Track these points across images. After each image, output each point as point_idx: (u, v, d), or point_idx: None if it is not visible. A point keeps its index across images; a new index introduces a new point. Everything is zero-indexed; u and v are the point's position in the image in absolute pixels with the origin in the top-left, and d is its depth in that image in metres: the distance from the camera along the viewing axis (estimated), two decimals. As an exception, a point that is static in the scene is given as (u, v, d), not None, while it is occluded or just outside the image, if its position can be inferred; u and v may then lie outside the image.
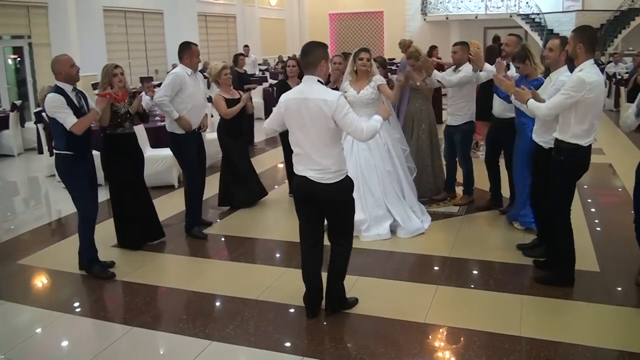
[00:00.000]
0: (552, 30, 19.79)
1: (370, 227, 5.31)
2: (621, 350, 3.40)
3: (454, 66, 6.03)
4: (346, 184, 3.70)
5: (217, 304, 4.22)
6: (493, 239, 5.29)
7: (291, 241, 5.31)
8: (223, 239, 5.61)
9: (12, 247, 5.48)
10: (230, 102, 6.06)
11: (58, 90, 4.34)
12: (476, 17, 20.73)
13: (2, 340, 3.73)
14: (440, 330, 3.70)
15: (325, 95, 3.52)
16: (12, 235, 5.84)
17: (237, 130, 6.29)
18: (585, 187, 6.81)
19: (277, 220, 6.13)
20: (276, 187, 7.30)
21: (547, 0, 19.99)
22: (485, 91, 6.35)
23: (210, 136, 7.49)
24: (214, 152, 7.49)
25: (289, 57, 8.16)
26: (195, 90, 5.39)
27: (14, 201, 7.59)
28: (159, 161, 7.26)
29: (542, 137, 4.44)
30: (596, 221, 5.71)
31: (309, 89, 3.57)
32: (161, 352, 3.69)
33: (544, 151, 4.39)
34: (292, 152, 6.00)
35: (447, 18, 21.65)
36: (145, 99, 5.62)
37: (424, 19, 22.68)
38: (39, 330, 3.90)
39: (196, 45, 5.38)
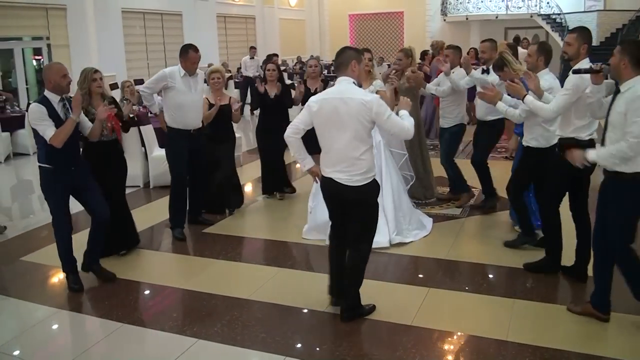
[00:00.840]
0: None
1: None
2: (611, 358, 3.33)
3: (443, 72, 6.02)
4: (373, 187, 3.70)
5: (208, 302, 4.25)
6: (491, 242, 5.22)
7: (287, 241, 5.41)
8: (220, 238, 5.62)
9: (21, 243, 5.59)
10: (210, 108, 5.82)
11: (43, 100, 4.17)
12: (496, 17, 20.48)
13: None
14: (426, 333, 3.67)
15: (365, 96, 3.57)
16: (23, 232, 5.97)
17: (218, 136, 5.97)
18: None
19: (275, 221, 6.16)
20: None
21: (568, 0, 19.66)
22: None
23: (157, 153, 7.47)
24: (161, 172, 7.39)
25: (311, 56, 8.05)
26: (185, 90, 5.33)
27: (31, 199, 7.75)
28: (164, 161, 7.31)
29: (526, 137, 4.65)
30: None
31: (346, 89, 3.59)
32: (146, 349, 3.74)
33: (527, 149, 4.64)
34: (268, 155, 6.28)
35: (467, 18, 21.44)
36: (157, 98, 5.76)
37: (444, 20, 22.49)
38: (35, 325, 3.98)
39: (196, 51, 5.38)
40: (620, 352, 3.37)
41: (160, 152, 7.35)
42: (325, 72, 13.92)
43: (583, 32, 4.13)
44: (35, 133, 4.17)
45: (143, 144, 7.61)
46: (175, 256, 5.21)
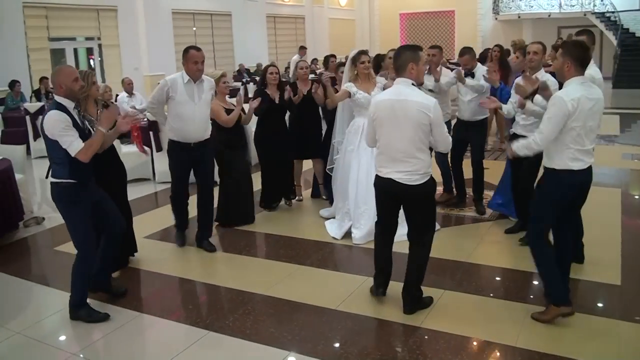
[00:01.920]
0: (627, 29, 18.76)
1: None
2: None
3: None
4: (431, 184, 3.78)
5: (225, 296, 4.38)
6: (516, 245, 5.12)
7: (310, 239, 5.48)
8: (245, 234, 5.74)
9: (57, 234, 5.82)
10: (228, 113, 5.65)
11: (60, 107, 3.72)
12: (549, 16, 19.94)
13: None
14: (433, 335, 3.65)
15: (426, 99, 3.62)
16: (60, 222, 6.25)
17: (236, 141, 5.89)
18: (631, 196, 6.49)
19: (301, 220, 6.21)
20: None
21: (622, -2, 19.00)
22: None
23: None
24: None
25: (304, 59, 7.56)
26: (186, 99, 4.90)
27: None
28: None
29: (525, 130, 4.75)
30: (632, 233, 5.41)
31: (406, 90, 3.65)
32: (160, 338, 3.88)
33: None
34: (269, 164, 6.14)
35: (519, 17, 20.96)
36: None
37: (496, 18, 22.07)
38: (58, 311, 4.19)
39: (197, 50, 4.95)
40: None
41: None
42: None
43: (589, 36, 4.40)
44: (54, 146, 3.72)
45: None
46: (199, 250, 5.33)
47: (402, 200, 3.83)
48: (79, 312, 3.98)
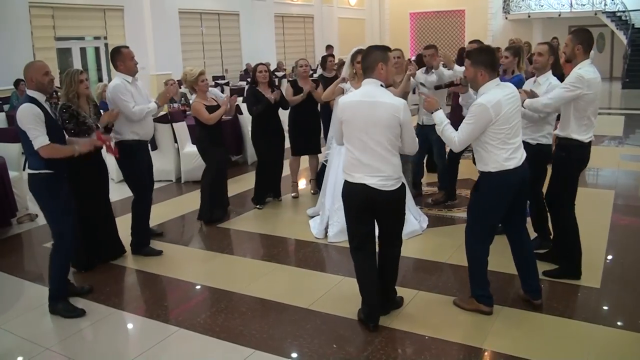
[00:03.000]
0: (638, 28, 18.51)
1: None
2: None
3: (425, 68, 6.16)
4: (403, 188, 3.67)
5: (200, 294, 4.45)
6: (498, 247, 5.10)
7: (292, 239, 5.53)
8: (231, 233, 5.82)
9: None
10: (210, 110, 5.73)
11: (32, 100, 3.88)
12: (559, 15, 19.75)
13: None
14: (400, 335, 3.67)
15: (395, 100, 3.52)
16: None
17: (220, 138, 5.97)
18: (624, 197, 6.44)
19: (287, 218, 6.25)
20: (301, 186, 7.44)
21: (633, -3, 18.75)
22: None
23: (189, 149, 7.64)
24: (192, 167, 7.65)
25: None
26: (140, 98, 4.97)
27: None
28: (196, 157, 7.57)
29: (535, 134, 4.56)
30: (618, 235, 5.37)
31: (376, 92, 3.53)
32: (131, 334, 3.97)
33: (539, 146, 4.56)
34: (265, 162, 6.16)
35: (529, 16, 20.80)
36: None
37: (506, 18, 21.93)
38: (39, 306, 4.25)
39: (127, 47, 5.01)
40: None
41: (192, 148, 7.61)
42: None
43: (578, 33, 4.16)
44: (26, 137, 3.86)
45: (175, 140, 7.91)
46: (182, 248, 5.42)
47: (375, 208, 3.60)
48: (57, 305, 4.07)
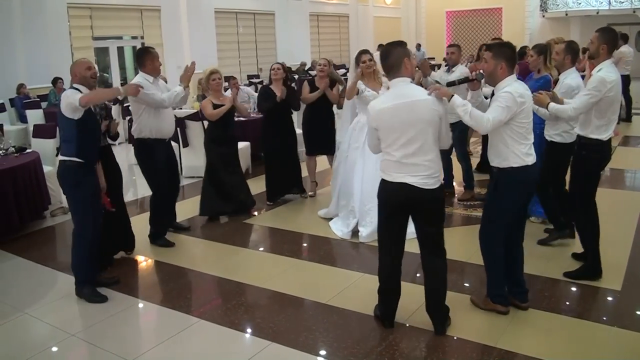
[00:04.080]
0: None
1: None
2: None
3: (447, 66, 6.27)
4: (442, 189, 3.56)
5: (222, 287, 4.55)
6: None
7: (314, 235, 5.60)
8: (256, 229, 5.93)
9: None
10: (218, 108, 5.83)
11: (75, 89, 4.18)
12: (597, 13, 19.25)
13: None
14: (414, 332, 3.69)
15: (427, 94, 3.43)
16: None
17: (223, 137, 6.00)
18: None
19: (308, 216, 6.28)
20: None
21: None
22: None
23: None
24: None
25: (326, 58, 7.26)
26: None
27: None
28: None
29: (550, 131, 4.73)
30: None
31: (410, 91, 3.42)
32: (152, 324, 4.10)
33: (552, 144, 4.73)
34: (273, 162, 6.25)
35: (566, 14, 20.35)
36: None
37: (543, 16, 21.50)
38: (66, 295, 4.43)
39: (153, 48, 5.23)
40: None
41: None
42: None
43: (605, 33, 4.16)
44: (63, 122, 4.12)
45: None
46: (202, 242, 5.55)
47: (414, 209, 3.49)
48: (83, 289, 4.29)
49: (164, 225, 5.48)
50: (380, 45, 14.41)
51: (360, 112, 5.54)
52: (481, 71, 3.70)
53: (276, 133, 6.42)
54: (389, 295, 3.71)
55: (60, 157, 4.20)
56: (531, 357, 3.34)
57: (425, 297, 3.67)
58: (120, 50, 13.80)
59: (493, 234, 3.74)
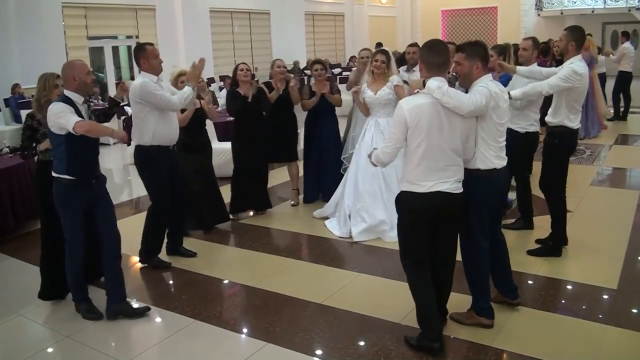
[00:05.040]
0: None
1: (394, 227, 5.30)
2: None
3: (407, 66, 6.27)
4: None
5: (218, 288, 4.55)
6: (520, 246, 5.07)
7: (311, 235, 5.60)
8: (252, 228, 5.89)
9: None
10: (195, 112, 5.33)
11: (66, 100, 3.69)
12: (592, 12, 19.33)
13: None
14: (410, 332, 3.64)
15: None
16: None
17: (194, 144, 5.49)
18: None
19: (305, 216, 6.21)
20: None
21: (670, -7, 18.24)
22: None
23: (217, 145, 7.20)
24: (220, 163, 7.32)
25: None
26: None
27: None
28: (223, 153, 7.66)
29: (521, 123, 4.97)
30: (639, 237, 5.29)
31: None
32: (148, 325, 4.03)
33: (525, 135, 4.98)
34: (242, 169, 5.86)
35: (561, 13, 20.40)
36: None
37: (539, 15, 21.58)
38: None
39: (151, 44, 4.74)
40: None
41: (219, 145, 7.69)
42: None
43: (573, 31, 4.47)
44: (55, 139, 3.71)
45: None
46: (198, 242, 5.51)
47: (445, 216, 3.33)
48: (80, 305, 4.06)
49: (159, 243, 5.00)
50: (378, 44, 14.55)
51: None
52: (453, 74, 3.61)
53: (245, 140, 5.94)
54: (432, 312, 3.42)
55: (53, 174, 3.80)
56: (527, 357, 3.35)
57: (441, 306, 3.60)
58: (115, 49, 13.75)
59: (470, 238, 3.57)
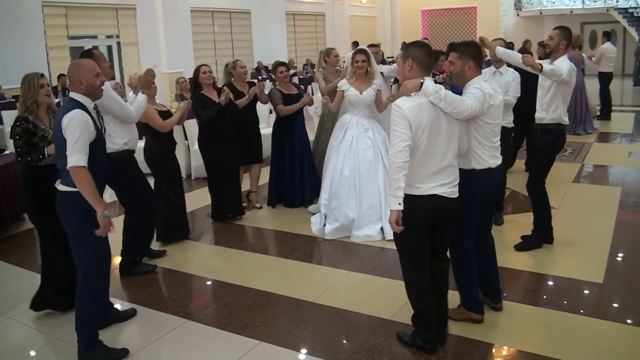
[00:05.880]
0: (651, 25, 18.40)
1: (362, 226, 5.30)
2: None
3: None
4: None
5: (208, 288, 4.55)
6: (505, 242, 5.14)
7: (299, 234, 5.59)
8: (240, 228, 5.90)
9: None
10: (162, 115, 5.17)
11: (81, 106, 3.26)
12: (571, 12, 19.62)
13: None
14: (402, 328, 3.69)
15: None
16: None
17: (172, 148, 5.41)
18: (630, 194, 6.45)
19: (291, 215, 6.23)
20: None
21: (647, -7, 18.59)
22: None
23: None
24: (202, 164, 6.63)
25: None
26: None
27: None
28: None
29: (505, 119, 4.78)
30: (623, 232, 5.38)
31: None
32: (139, 326, 4.02)
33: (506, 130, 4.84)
34: (218, 172, 5.78)
35: (540, 13, 20.69)
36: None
37: (518, 14, 21.86)
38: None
39: (96, 48, 4.50)
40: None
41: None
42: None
43: (564, 31, 4.57)
44: (64, 148, 3.19)
45: (186, 138, 8.02)
46: (187, 243, 5.51)
47: (440, 219, 3.32)
48: (96, 354, 3.43)
49: (140, 249, 4.88)
50: (354, 43, 14.58)
51: (346, 110, 5.58)
52: (447, 74, 3.67)
53: (217, 144, 5.77)
54: (429, 315, 3.44)
55: (61, 187, 3.31)
56: (518, 350, 3.41)
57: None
58: (96, 49, 13.60)
59: (458, 249, 3.60)
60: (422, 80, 3.18)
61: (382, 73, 5.78)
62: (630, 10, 18.52)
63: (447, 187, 3.25)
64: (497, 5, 22.87)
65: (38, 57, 11.16)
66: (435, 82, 3.29)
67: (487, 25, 22.58)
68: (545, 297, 4.15)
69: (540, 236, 4.89)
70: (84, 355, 3.40)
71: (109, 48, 13.77)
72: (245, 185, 6.53)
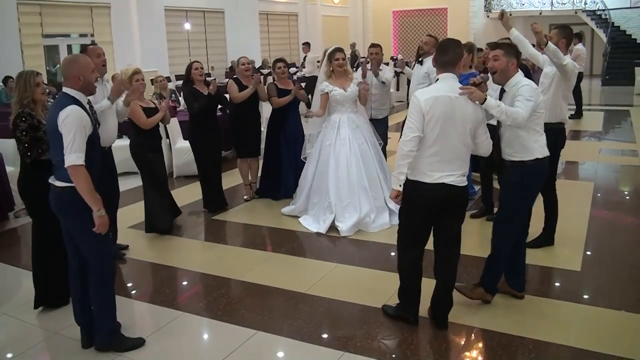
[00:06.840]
0: (618, 27, 18.98)
1: (377, 217, 5.53)
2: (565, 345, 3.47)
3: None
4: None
5: (201, 281, 4.62)
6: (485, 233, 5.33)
7: (285, 229, 5.71)
8: (228, 225, 5.99)
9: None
10: (147, 112, 5.29)
11: (77, 102, 3.25)
12: (540, 14, 20.11)
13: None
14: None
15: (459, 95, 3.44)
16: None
17: (158, 143, 5.60)
18: (602, 189, 6.73)
19: (278, 211, 6.27)
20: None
21: (614, -4, 19.21)
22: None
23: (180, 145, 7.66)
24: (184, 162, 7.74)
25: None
26: (100, 98, 4.49)
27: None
28: (188, 152, 7.68)
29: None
30: (596, 223, 5.65)
31: (455, 87, 3.42)
32: (136, 319, 4.11)
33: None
34: (209, 165, 5.98)
35: (510, 14, 21.05)
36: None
37: (487, 16, 22.28)
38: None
39: (94, 44, 4.24)
40: (580, 341, 3.51)
41: (184, 144, 7.73)
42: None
43: (563, 29, 4.67)
44: (59, 145, 3.18)
45: (167, 136, 8.04)
46: (181, 239, 5.58)
47: (446, 208, 3.46)
48: (116, 341, 3.55)
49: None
50: (306, 44, 14.78)
51: (332, 110, 5.72)
52: (483, 75, 3.86)
53: (205, 134, 6.02)
54: (416, 291, 3.69)
55: (57, 183, 3.30)
56: (501, 334, 3.60)
57: (436, 287, 3.69)
58: (70, 48, 13.46)
59: (512, 230, 3.82)
60: (485, 97, 3.43)
61: (383, 82, 6.16)
62: (598, 13, 19.07)
63: (455, 176, 3.41)
64: (467, 7, 23.26)
65: (13, 55, 11.02)
66: (475, 84, 3.51)
67: (457, 26, 22.93)
68: (529, 285, 4.29)
69: (550, 234, 4.94)
70: (103, 341, 3.51)
71: (82, 47, 13.65)
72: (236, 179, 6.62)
